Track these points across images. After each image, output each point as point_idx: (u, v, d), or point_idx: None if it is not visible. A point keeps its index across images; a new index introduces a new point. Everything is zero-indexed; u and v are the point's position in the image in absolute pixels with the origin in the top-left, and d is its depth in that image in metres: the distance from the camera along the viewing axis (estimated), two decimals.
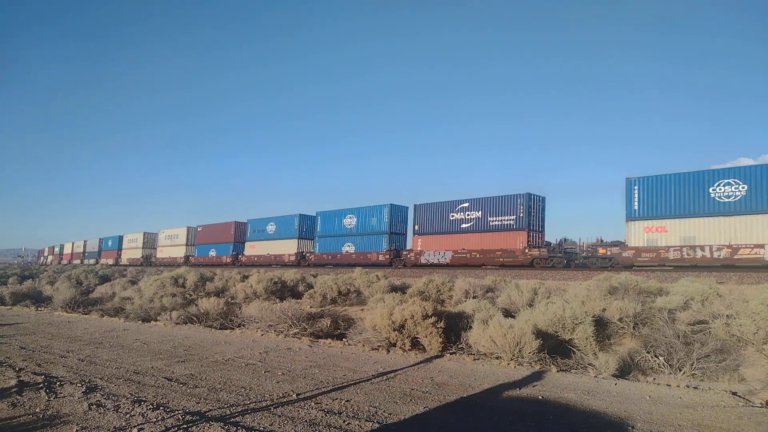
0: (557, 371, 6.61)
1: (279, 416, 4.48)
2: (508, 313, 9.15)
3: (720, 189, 20.58)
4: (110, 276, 28.58)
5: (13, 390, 5.37)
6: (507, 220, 27.14)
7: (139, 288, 16.98)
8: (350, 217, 35.88)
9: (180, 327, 11.14)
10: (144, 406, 4.71)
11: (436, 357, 7.56)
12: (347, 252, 35.44)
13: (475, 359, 7.33)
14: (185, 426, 4.18)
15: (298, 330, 9.98)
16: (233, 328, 11.00)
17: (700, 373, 6.53)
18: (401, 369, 6.66)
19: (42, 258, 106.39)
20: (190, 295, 15.52)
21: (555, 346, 7.56)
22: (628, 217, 22.93)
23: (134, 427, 4.15)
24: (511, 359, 7.04)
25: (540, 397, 5.27)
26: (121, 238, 66.30)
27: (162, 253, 57.36)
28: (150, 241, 61.16)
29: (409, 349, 8.01)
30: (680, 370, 6.57)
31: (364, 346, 8.41)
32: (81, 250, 79.00)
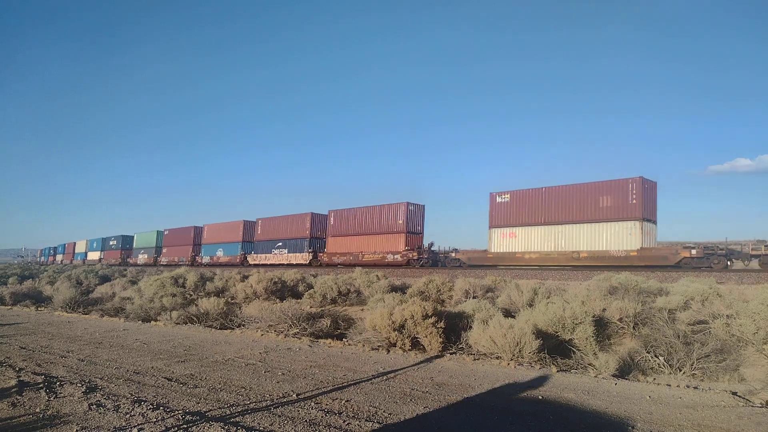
0: (557, 371, 6.61)
1: (279, 416, 4.49)
2: (508, 313, 9.14)
3: None
4: (110, 276, 28.59)
5: (13, 390, 5.37)
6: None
7: (139, 288, 16.97)
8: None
9: (180, 327, 11.14)
10: (144, 406, 4.71)
11: (436, 357, 7.56)
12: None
13: (475, 359, 7.33)
14: (185, 426, 4.18)
15: (298, 330, 9.97)
16: (233, 328, 10.99)
17: (700, 373, 6.53)
18: (401, 369, 6.66)
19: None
20: (190, 295, 15.54)
21: (555, 346, 7.56)
22: None
23: (134, 427, 4.16)
24: (511, 359, 7.04)
25: (540, 397, 5.27)
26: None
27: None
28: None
29: (409, 349, 8.01)
30: (680, 370, 6.58)
31: (364, 346, 8.41)
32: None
